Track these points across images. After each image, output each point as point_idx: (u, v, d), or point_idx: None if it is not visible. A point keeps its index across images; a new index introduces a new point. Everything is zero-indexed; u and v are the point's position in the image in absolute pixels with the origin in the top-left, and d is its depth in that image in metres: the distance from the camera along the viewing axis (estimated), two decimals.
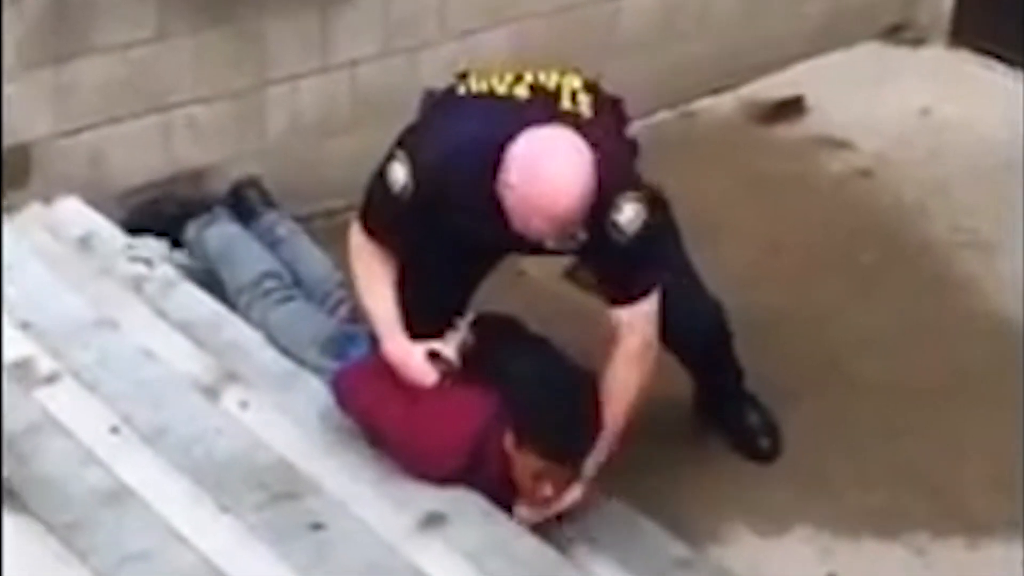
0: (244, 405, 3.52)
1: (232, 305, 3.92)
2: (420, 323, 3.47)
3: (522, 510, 3.38)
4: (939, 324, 4.41)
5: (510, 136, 3.22)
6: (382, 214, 3.42)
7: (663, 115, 5.22)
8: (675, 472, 3.75)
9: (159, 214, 4.18)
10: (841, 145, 5.25)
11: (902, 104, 5.45)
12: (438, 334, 3.46)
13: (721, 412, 3.99)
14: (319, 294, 3.97)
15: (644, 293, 3.39)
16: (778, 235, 4.67)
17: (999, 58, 5.64)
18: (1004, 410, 4.06)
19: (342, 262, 4.07)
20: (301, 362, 3.73)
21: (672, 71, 5.25)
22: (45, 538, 3.00)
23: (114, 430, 3.33)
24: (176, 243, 4.15)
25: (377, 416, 3.43)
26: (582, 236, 3.31)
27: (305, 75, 4.62)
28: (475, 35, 4.80)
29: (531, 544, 3.27)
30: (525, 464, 3.33)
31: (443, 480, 3.36)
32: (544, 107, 3.34)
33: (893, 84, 5.58)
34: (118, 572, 2.91)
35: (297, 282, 4.00)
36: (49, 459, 3.20)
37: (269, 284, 3.92)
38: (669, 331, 3.53)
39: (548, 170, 3.17)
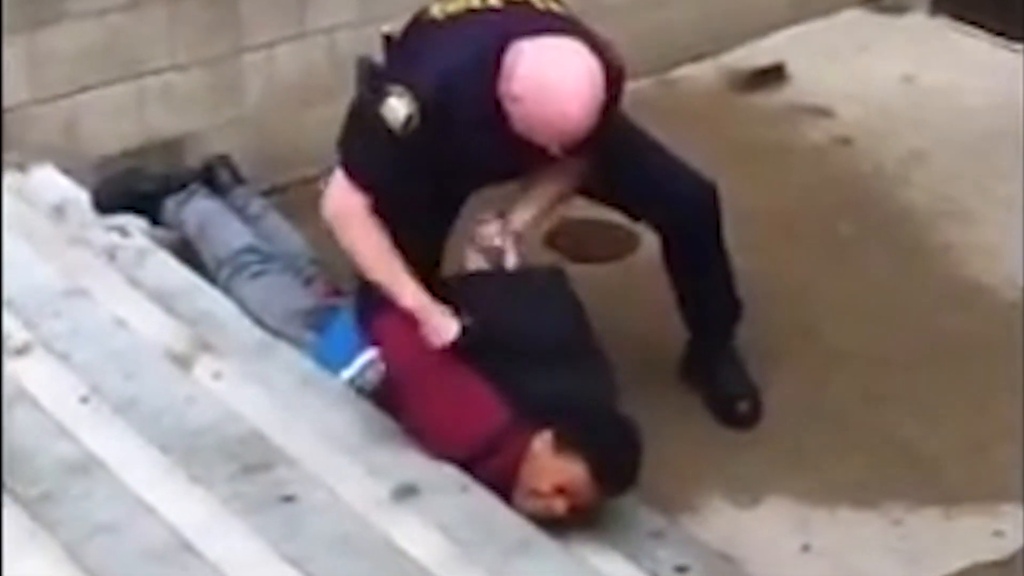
0: (217, 375, 3.50)
1: (212, 280, 3.89)
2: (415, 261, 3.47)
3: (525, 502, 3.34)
4: (917, 293, 4.40)
5: (503, 40, 3.29)
6: (379, 160, 3.38)
7: (642, 82, 5.17)
8: (651, 440, 3.73)
9: (131, 191, 4.13)
10: (821, 113, 5.23)
11: (883, 72, 5.43)
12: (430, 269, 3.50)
13: (704, 371, 3.98)
14: (293, 269, 3.93)
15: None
16: (757, 203, 4.64)
17: (980, 26, 5.62)
18: (981, 379, 4.06)
19: (318, 232, 4.08)
20: (279, 334, 3.71)
21: (651, 37, 5.21)
22: (15, 510, 2.97)
23: (84, 400, 3.31)
24: (153, 220, 4.11)
25: (412, 376, 3.42)
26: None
27: (282, 42, 4.59)
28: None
29: (506, 516, 3.26)
30: (556, 470, 3.29)
31: (451, 455, 3.34)
32: (522, 7, 3.42)
33: (874, 52, 5.56)
34: (87, 544, 2.89)
35: (273, 257, 3.97)
36: (19, 431, 3.17)
37: (247, 257, 3.90)
38: (660, 202, 3.66)
39: (559, 87, 3.24)
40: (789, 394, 4.00)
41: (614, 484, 3.34)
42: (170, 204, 4.10)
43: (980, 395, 4.01)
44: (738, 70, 5.41)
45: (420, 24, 3.50)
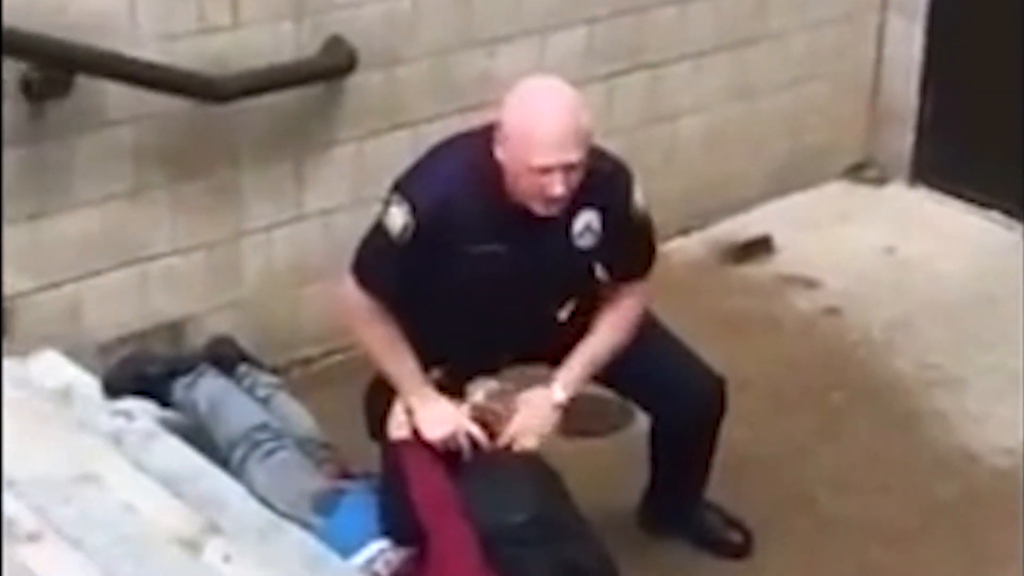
0: (227, 558, 3.51)
1: (224, 461, 3.90)
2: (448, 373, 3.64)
3: None
4: (909, 461, 4.45)
5: (490, 139, 3.41)
6: (383, 265, 3.52)
7: None
8: None
9: (140, 375, 4.17)
10: (808, 284, 5.33)
11: (867, 242, 5.55)
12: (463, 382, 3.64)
13: (678, 517, 4.04)
14: (304, 449, 3.94)
15: (647, 269, 3.73)
16: (747, 373, 4.69)
17: (958, 196, 5.77)
18: (974, 548, 4.10)
19: (322, 412, 4.14)
20: (287, 515, 3.71)
21: None
22: None
23: None
24: (163, 403, 4.14)
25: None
26: (596, 225, 3.52)
27: (279, 225, 4.67)
28: None
29: None
30: None
31: None
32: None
33: (857, 223, 5.68)
34: None
35: (285, 434, 3.97)
36: None
37: (260, 435, 3.92)
38: (669, 392, 3.72)
39: (537, 100, 3.38)
40: (783, 564, 4.03)
41: None
42: (179, 386, 4.13)
43: (973, 565, 4.04)
44: (725, 243, 5.52)
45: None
